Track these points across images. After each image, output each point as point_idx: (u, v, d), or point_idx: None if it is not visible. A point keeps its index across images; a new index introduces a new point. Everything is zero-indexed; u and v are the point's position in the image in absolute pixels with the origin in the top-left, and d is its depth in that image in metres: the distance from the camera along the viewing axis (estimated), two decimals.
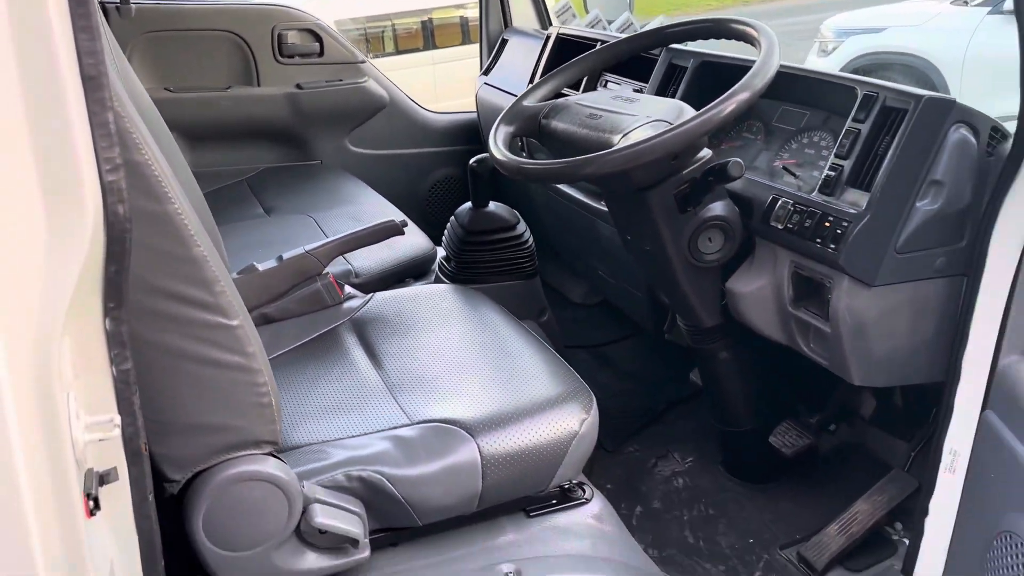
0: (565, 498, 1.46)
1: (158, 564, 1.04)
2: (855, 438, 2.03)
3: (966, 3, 7.20)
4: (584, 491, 1.49)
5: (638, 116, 1.51)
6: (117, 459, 0.97)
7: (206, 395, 1.10)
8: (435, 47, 7.51)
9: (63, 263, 0.82)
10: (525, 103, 1.77)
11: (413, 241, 2.20)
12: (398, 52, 7.50)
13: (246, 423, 1.13)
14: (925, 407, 1.79)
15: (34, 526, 0.81)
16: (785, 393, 1.94)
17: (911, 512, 1.60)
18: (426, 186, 3.15)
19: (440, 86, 6.79)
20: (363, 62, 3.00)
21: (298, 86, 2.91)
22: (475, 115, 3.11)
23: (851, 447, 2.02)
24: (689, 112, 1.49)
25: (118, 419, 0.91)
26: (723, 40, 1.75)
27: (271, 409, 1.15)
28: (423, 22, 7.56)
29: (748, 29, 1.56)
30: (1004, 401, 1.36)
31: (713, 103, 1.42)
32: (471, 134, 3.14)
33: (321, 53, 2.92)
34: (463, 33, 7.56)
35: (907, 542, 1.65)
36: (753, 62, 1.49)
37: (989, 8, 6.76)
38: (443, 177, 3.16)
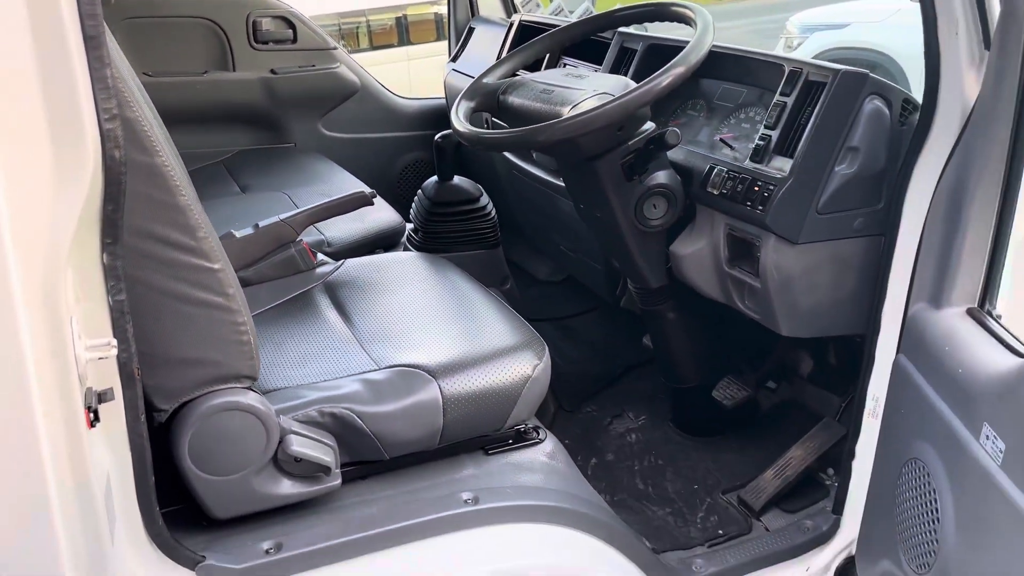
0: (521, 438, 1.60)
1: (149, 479, 1.17)
2: (794, 395, 2.18)
3: None
4: (538, 433, 1.63)
5: (586, 90, 1.65)
6: (113, 382, 1.09)
7: (190, 331, 1.22)
8: (410, 43, 7.59)
9: (67, 200, 0.95)
10: (485, 80, 1.91)
11: (382, 215, 2.33)
12: (373, 48, 7.58)
13: (227, 358, 1.26)
14: (857, 363, 1.94)
15: (42, 427, 0.94)
16: (727, 351, 2.10)
17: (840, 458, 1.75)
18: (397, 169, 3.27)
19: (415, 81, 6.89)
20: (335, 48, 3.12)
21: (272, 71, 3.03)
22: (443, 100, 3.24)
23: (790, 403, 2.18)
24: (632, 86, 1.63)
25: (114, 342, 1.04)
26: (671, 25, 1.90)
27: (250, 347, 1.28)
28: (398, 18, 7.63)
29: (686, 11, 1.71)
30: (912, 345, 1.51)
31: (651, 76, 1.57)
32: (440, 118, 3.27)
33: (294, 39, 3.04)
34: (438, 29, 7.65)
35: (837, 486, 1.81)
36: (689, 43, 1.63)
37: None
38: (413, 160, 3.29)
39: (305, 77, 3.06)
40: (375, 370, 1.50)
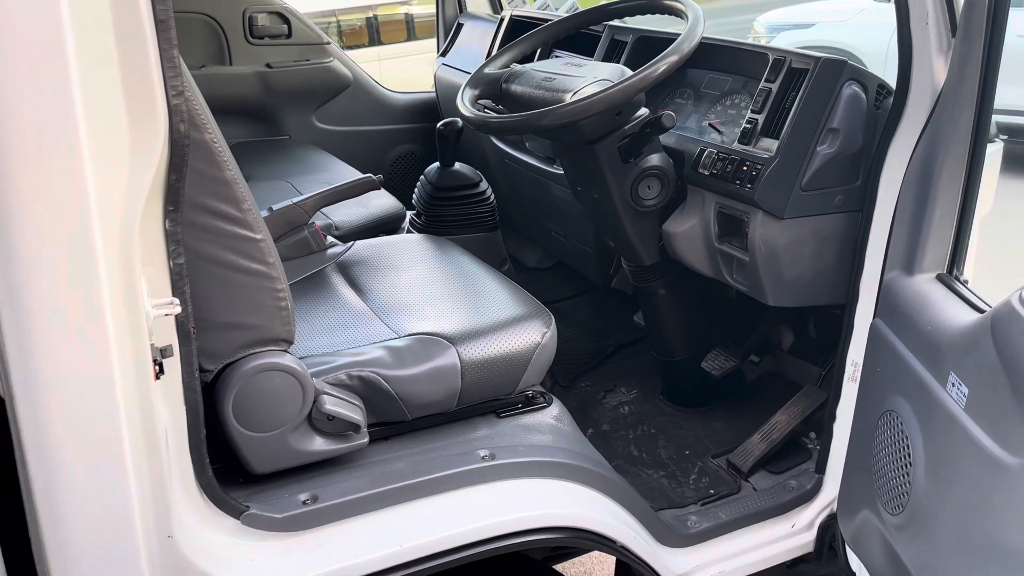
0: (529, 403, 1.71)
1: (201, 432, 1.26)
2: (776, 367, 2.32)
3: (888, 0, 7.69)
4: (545, 398, 1.75)
5: (586, 77, 1.77)
6: (171, 340, 1.19)
7: (235, 297, 1.32)
8: (380, 43, 7.63)
9: (141, 170, 1.05)
10: (486, 70, 2.02)
11: (384, 201, 2.44)
12: (343, 48, 7.60)
13: (267, 323, 1.36)
14: (835, 335, 2.08)
15: (117, 376, 1.03)
16: (714, 326, 2.23)
17: (822, 421, 1.89)
18: (388, 160, 3.37)
19: (386, 81, 6.93)
20: (328, 43, 3.22)
21: (268, 65, 3.11)
22: (434, 94, 3.34)
23: (773, 375, 2.31)
24: (629, 73, 1.76)
25: (177, 301, 1.13)
26: (656, 18, 2.03)
27: (287, 312, 1.38)
28: (368, 19, 7.66)
29: (677, 4, 1.83)
30: (887, 308, 1.65)
31: (648, 64, 1.69)
32: (430, 112, 3.37)
33: (289, 34, 3.13)
34: (408, 29, 7.69)
35: (819, 447, 1.94)
36: (679, 35, 1.76)
37: None
38: (404, 152, 3.39)
39: (300, 71, 3.15)
40: (396, 338, 1.60)
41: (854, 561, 1.79)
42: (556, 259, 3.06)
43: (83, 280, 0.99)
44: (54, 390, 1.01)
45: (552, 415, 1.72)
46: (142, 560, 1.14)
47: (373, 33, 7.66)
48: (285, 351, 1.40)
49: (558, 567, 1.82)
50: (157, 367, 1.12)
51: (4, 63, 0.90)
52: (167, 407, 1.21)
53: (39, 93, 0.92)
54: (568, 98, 1.74)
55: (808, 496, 1.89)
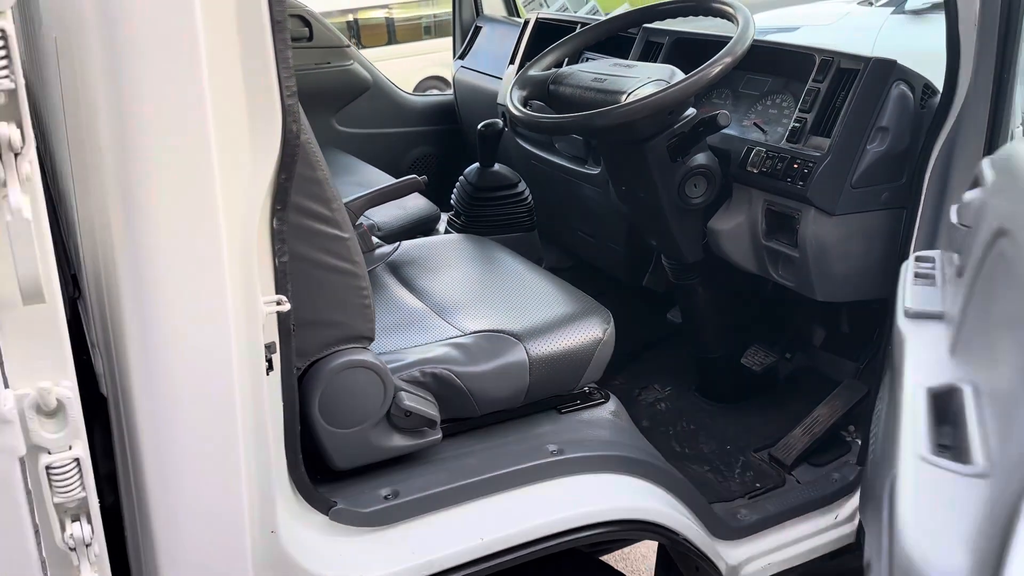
0: (587, 399, 1.74)
1: (296, 428, 1.27)
2: (809, 363, 2.36)
3: (871, 4, 7.81)
4: (602, 394, 1.77)
5: (639, 77, 1.80)
6: (274, 336, 1.20)
7: (324, 295, 1.33)
8: (361, 47, 7.67)
9: (261, 169, 1.06)
10: (531, 72, 2.05)
11: (419, 203, 2.46)
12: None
13: (352, 320, 1.37)
14: (867, 330, 2.13)
15: (235, 371, 1.05)
16: (752, 323, 2.27)
17: (863, 415, 1.93)
18: (407, 163, 3.39)
19: None
20: (348, 46, 3.22)
21: None
22: (451, 97, 3.36)
23: (806, 371, 2.36)
24: (679, 74, 1.79)
25: (284, 299, 1.15)
26: (690, 19, 2.06)
27: (370, 310, 1.39)
28: (348, 23, 7.68)
29: (726, 7, 1.87)
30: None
31: (704, 65, 1.73)
32: (448, 115, 3.39)
33: (310, 37, 3.13)
34: (389, 33, 7.73)
35: (859, 442, 1.98)
36: (717, 37, 1.80)
37: (892, 8, 7.39)
38: (422, 154, 3.40)
39: (320, 74, 3.15)
40: (462, 336, 1.62)
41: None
42: (575, 260, 3.08)
43: (208, 276, 1.00)
44: (176, 385, 1.03)
45: (610, 411, 1.75)
46: (247, 555, 1.16)
47: (354, 37, 7.70)
48: (366, 348, 1.41)
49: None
50: (267, 363, 1.14)
51: (142, 61, 0.91)
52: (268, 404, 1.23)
53: (173, 90, 0.93)
54: (623, 99, 1.77)
55: (850, 488, 1.93)
